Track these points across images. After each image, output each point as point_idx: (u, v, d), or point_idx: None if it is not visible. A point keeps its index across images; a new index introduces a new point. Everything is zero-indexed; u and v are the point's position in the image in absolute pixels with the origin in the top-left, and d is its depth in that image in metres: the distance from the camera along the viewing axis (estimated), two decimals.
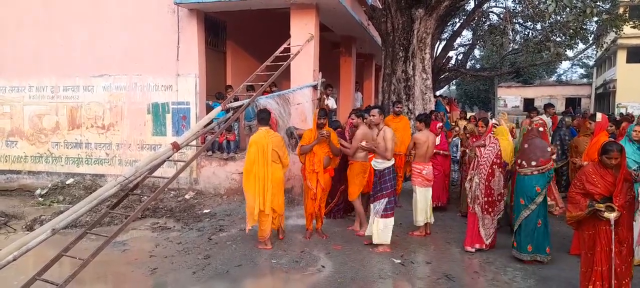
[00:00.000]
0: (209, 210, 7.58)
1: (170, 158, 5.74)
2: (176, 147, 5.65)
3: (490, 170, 5.40)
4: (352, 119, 6.57)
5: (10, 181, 9.73)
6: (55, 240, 4.39)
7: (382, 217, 5.41)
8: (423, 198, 5.95)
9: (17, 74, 9.53)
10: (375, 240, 5.46)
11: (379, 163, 5.51)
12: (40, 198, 8.76)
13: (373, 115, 5.71)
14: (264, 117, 5.68)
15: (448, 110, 13.08)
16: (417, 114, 9.66)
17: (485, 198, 5.39)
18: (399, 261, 5.17)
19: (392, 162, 5.52)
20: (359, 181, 5.97)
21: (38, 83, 9.47)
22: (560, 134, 8.41)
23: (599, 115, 5.78)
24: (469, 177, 5.55)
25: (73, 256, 4.22)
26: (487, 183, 5.39)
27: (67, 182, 9.22)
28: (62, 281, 3.91)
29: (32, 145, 9.64)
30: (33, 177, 9.60)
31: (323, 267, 5.02)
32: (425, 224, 6.07)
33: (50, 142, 9.53)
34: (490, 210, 5.42)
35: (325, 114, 5.87)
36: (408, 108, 9.81)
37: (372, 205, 5.52)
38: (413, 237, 6.05)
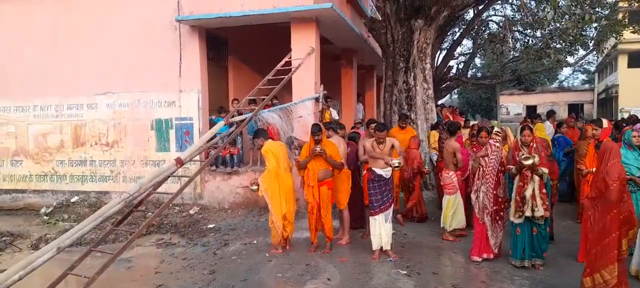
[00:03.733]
0: (213, 225, 7.57)
1: (174, 174, 5.76)
2: (180, 162, 5.68)
3: (496, 179, 5.39)
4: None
5: (15, 200, 9.76)
6: (61, 258, 4.40)
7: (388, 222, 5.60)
8: (445, 204, 6.31)
9: (22, 94, 9.61)
10: (387, 246, 5.59)
11: (388, 172, 5.61)
12: (45, 217, 8.77)
13: (382, 137, 5.65)
14: (262, 135, 6.12)
15: (450, 118, 13.02)
16: (419, 123, 9.72)
17: (494, 207, 5.38)
18: (405, 272, 5.14)
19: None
20: (345, 188, 6.11)
21: (42, 102, 9.54)
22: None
23: (604, 121, 5.85)
24: (474, 188, 5.53)
25: (78, 274, 4.22)
26: (494, 192, 5.37)
27: (72, 200, 9.24)
28: None
29: (36, 164, 9.68)
30: (38, 196, 9.63)
31: (329, 279, 4.99)
32: (452, 230, 6.34)
33: (55, 160, 9.57)
34: (498, 218, 5.41)
35: (319, 130, 5.68)
36: (410, 118, 9.82)
37: (384, 215, 5.56)
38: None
